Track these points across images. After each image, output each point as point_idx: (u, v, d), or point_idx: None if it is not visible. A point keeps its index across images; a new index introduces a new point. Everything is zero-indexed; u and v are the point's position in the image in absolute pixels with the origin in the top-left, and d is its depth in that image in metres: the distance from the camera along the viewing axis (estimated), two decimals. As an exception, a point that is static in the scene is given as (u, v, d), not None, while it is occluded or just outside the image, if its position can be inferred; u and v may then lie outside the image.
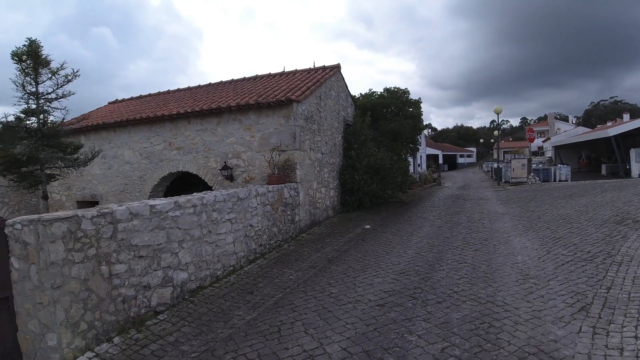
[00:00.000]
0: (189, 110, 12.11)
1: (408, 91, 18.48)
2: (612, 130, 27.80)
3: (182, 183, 14.21)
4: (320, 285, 6.56)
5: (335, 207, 13.57)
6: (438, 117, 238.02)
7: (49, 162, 9.92)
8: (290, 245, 9.56)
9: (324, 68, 14.36)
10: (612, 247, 7.28)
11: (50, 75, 9.86)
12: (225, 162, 11.46)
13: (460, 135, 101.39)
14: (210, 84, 16.88)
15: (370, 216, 13.01)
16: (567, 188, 17.35)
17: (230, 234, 7.63)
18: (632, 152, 20.91)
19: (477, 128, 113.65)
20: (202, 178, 12.29)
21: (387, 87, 18.36)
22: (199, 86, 17.13)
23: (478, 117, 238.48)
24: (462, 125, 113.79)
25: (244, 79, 15.97)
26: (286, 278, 7.16)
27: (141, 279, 5.69)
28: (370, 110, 16.92)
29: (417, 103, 18.59)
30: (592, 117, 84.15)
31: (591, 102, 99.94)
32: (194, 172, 12.41)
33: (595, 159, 39.46)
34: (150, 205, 5.84)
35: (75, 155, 10.33)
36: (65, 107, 10.31)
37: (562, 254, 7.17)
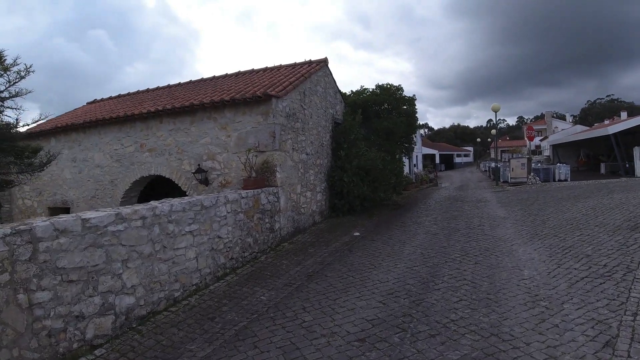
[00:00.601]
0: (160, 108, 11.11)
1: (402, 88, 17.52)
2: (612, 128, 27.07)
3: (159, 187, 13.20)
4: (293, 309, 5.57)
5: (323, 212, 12.58)
6: (435, 116, 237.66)
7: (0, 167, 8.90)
8: (268, 257, 8.56)
9: (309, 62, 13.37)
10: (630, 259, 6.32)
11: (1, 73, 8.84)
12: (199, 165, 10.46)
13: (457, 135, 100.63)
14: (190, 81, 15.87)
15: (360, 221, 12.02)
16: (571, 189, 16.41)
17: (192, 249, 6.63)
18: (636, 151, 20.01)
19: (474, 127, 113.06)
20: (176, 182, 11.29)
21: (380, 83, 17.37)
22: (179, 84, 16.10)
23: (475, 117, 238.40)
24: (459, 125, 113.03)
25: (226, 75, 14.95)
26: (256, 299, 6.17)
27: (72, 307, 4.68)
28: (362, 108, 15.95)
29: (411, 100, 17.63)
30: (589, 115, 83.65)
31: (588, 101, 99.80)
32: (167, 176, 11.40)
33: (594, 158, 38.78)
34: (83, 219, 4.83)
35: (30, 160, 9.30)
36: (21, 107, 9.29)
37: (575, 268, 6.20)
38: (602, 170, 31.98)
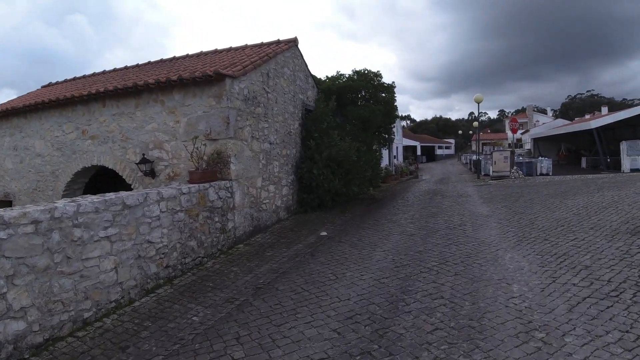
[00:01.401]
0: (101, 90, 9.72)
1: (380, 74, 16.32)
2: (595, 122, 26.59)
3: (107, 179, 11.81)
4: (225, 339, 4.38)
5: (290, 207, 11.38)
6: (418, 108, 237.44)
7: None
8: (216, 263, 7.35)
9: (277, 42, 12.07)
10: (638, 274, 5.29)
11: None
12: (143, 155, 9.14)
13: (439, 127, 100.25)
14: (149, 62, 14.40)
15: (330, 218, 10.87)
16: (557, 184, 15.52)
17: (110, 258, 5.37)
18: (624, 145, 19.26)
19: (456, 120, 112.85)
20: (120, 174, 9.95)
21: (357, 69, 16.15)
22: (137, 65, 14.62)
23: (457, 109, 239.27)
24: (441, 117, 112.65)
25: (186, 56, 13.56)
26: (186, 321, 4.96)
27: None
28: (337, 95, 14.75)
29: (390, 88, 16.46)
30: (570, 110, 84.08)
31: (568, 96, 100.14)
32: (110, 167, 10.05)
33: (575, 152, 38.47)
34: None
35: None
36: None
37: (574, 284, 5.14)
38: (583, 165, 31.57)
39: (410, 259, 6.71)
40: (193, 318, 5.07)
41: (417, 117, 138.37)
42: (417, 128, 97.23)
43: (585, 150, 35.37)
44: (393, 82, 16.57)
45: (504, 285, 5.30)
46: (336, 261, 6.91)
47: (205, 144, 8.19)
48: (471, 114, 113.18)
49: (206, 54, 13.20)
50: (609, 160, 25.42)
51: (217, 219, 7.83)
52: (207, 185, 7.55)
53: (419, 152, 62.45)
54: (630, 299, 4.56)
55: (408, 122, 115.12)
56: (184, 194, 6.87)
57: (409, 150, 58.58)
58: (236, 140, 8.55)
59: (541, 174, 22.72)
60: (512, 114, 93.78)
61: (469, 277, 5.69)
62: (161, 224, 6.36)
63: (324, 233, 9.14)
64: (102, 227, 5.25)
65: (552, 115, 75.53)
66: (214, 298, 5.71)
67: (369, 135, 14.54)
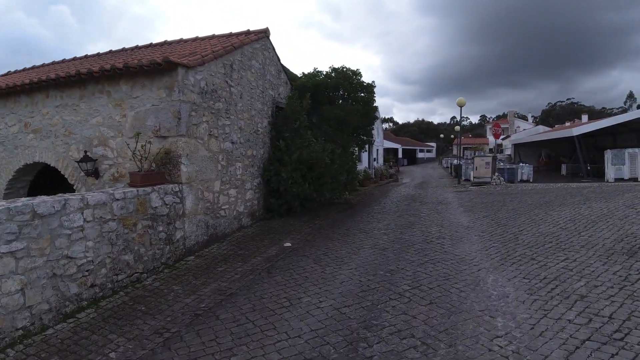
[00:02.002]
0: (43, 78, 8.62)
1: (360, 73, 15.46)
2: (576, 129, 26.34)
3: (55, 177, 10.66)
4: (133, 395, 3.40)
5: (255, 212, 10.40)
6: (401, 111, 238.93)
7: None
8: (156, 280, 6.34)
9: (247, 32, 11.09)
10: (642, 306, 4.49)
11: None
12: (85, 152, 8.07)
13: (421, 130, 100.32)
14: (110, 51, 13.24)
15: (299, 226, 9.93)
16: (540, 193, 14.86)
17: (15, 277, 4.36)
18: (608, 154, 18.76)
19: (438, 123, 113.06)
20: (62, 172, 8.86)
21: (335, 66, 15.24)
22: (97, 54, 13.45)
23: (440, 113, 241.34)
24: (423, 120, 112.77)
25: (150, 45, 12.46)
26: (100, 358, 3.98)
27: None
28: (313, 93, 13.82)
29: (369, 87, 15.60)
30: (550, 117, 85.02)
31: (549, 103, 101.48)
32: (52, 164, 8.97)
33: (555, 158, 38.41)
34: None
35: None
36: None
37: (569, 320, 4.30)
38: (563, 171, 31.40)
39: (380, 281, 5.80)
40: (110, 354, 4.10)
41: (400, 119, 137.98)
42: (399, 130, 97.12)
43: (565, 157, 35.29)
44: (373, 82, 15.73)
45: (487, 320, 4.43)
46: (294, 281, 5.97)
47: (150, 142, 7.16)
48: (453, 118, 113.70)
49: (170, 43, 12.14)
50: (589, 167, 25.24)
51: (161, 229, 6.81)
52: (149, 189, 6.53)
53: (400, 155, 62.01)
54: (638, 344, 3.74)
55: (390, 124, 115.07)
56: (118, 200, 5.84)
57: (390, 152, 58.08)
58: (189, 139, 7.54)
59: (522, 181, 22.24)
60: (493, 120, 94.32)
61: (446, 306, 4.81)
62: (85, 235, 5.33)
63: (288, 244, 8.19)
64: (3, 241, 4.22)
65: (533, 122, 75.98)
66: (141, 327, 4.72)
67: (346, 136, 13.64)
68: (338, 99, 14.94)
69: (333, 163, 11.65)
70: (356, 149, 17.75)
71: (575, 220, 9.01)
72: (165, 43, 12.25)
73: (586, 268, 5.81)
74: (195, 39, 11.85)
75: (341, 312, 4.79)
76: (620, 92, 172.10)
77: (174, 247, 7.13)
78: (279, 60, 11.94)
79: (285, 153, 10.59)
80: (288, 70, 18.44)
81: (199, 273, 6.61)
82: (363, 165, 26.28)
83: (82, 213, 5.27)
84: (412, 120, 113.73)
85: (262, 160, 10.74)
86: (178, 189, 7.24)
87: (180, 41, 12.05)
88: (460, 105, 23.63)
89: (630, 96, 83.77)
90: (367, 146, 28.16)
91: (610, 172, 18.31)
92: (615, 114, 66.36)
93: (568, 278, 5.48)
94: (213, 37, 11.63)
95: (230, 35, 11.39)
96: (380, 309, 4.81)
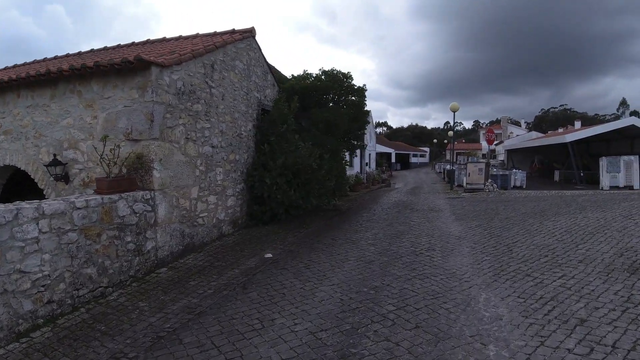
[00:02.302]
0: (13, 77, 8.12)
1: (351, 76, 15.01)
2: (570, 136, 26.15)
3: (28, 181, 10.13)
4: None
5: (237, 220, 9.92)
6: (395, 115, 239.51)
7: None
8: (123, 294, 5.86)
9: (232, 32, 10.64)
10: (649, 332, 4.08)
11: None
12: (55, 155, 7.57)
13: (415, 134, 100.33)
14: (92, 50, 12.77)
15: (283, 234, 9.46)
16: (534, 200, 14.48)
17: None
18: (603, 161, 18.43)
19: (432, 128, 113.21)
20: (32, 176, 8.36)
21: (325, 68, 14.80)
22: (79, 53, 12.97)
23: (434, 118, 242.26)
24: (417, 125, 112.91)
25: (132, 44, 11.99)
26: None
27: None
28: (301, 95, 13.39)
29: (360, 90, 15.16)
30: (543, 123, 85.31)
31: (542, 109, 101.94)
32: (22, 167, 8.46)
33: (548, 165, 38.27)
34: None
35: None
36: None
37: (568, 349, 3.87)
38: (556, 178, 31.19)
39: (363, 300, 5.34)
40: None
41: (394, 124, 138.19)
42: (392, 135, 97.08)
43: (558, 163, 35.12)
44: (364, 85, 15.29)
45: (478, 347, 3.99)
46: (270, 299, 5.50)
47: (119, 146, 6.67)
48: (447, 123, 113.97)
49: (152, 42, 11.70)
50: (582, 174, 25.00)
51: (129, 239, 6.32)
52: (115, 197, 6.05)
53: (393, 160, 61.79)
54: (647, 380, 3.31)
55: (384, 128, 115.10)
56: (79, 208, 5.36)
57: (383, 157, 57.85)
58: (162, 142, 7.06)
59: (515, 187, 21.91)
60: (486, 125, 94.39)
61: (434, 331, 4.36)
62: (41, 248, 4.85)
63: (269, 255, 7.72)
64: None
65: (526, 128, 76.15)
66: (98, 350, 4.24)
67: (335, 140, 13.19)
68: (328, 102, 14.50)
69: (321, 168, 11.20)
70: (346, 153, 17.33)
71: (572, 231, 8.60)
72: (147, 42, 11.80)
73: (585, 287, 5.39)
74: (179, 38, 11.41)
75: (317, 337, 4.32)
76: (613, 99, 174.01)
77: (144, 258, 6.64)
78: (265, 61, 11.50)
79: (270, 158, 10.13)
80: (278, 72, 17.99)
81: (169, 287, 6.12)
82: (355, 169, 25.88)
83: (37, 223, 4.79)
84: (405, 125, 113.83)
85: (246, 165, 10.27)
86: (150, 196, 6.75)
87: (163, 40, 11.61)
88: (454, 110, 23.32)
89: (623, 103, 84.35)
90: (358, 151, 27.83)
91: (605, 180, 17.98)
92: (608, 120, 66.74)
93: (566, 298, 5.05)
94: (197, 36, 11.19)
95: (215, 34, 10.95)
96: (361, 334, 4.35)
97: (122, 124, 7.05)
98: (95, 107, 7.33)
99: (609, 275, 5.74)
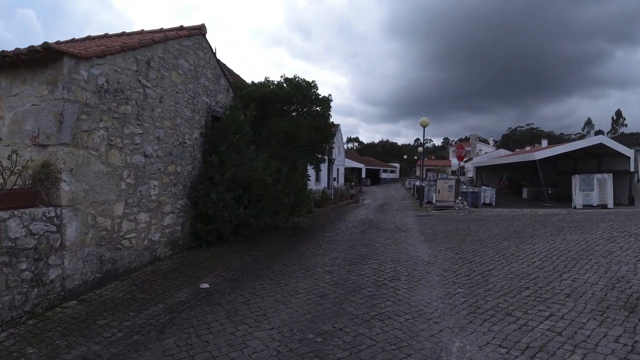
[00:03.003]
0: None
1: (315, 85, 14.05)
2: (538, 154, 26.17)
3: None
4: None
5: (178, 241, 8.68)
6: (366, 131, 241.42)
7: None
8: (11, 336, 4.55)
9: (180, 28, 9.52)
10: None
11: None
12: (-57, 161, 6.21)
13: (386, 150, 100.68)
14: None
15: (229, 258, 8.29)
16: (507, 220, 13.74)
17: None
18: (576, 179, 17.99)
19: (402, 145, 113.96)
20: None
21: (288, 76, 13.79)
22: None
23: (404, 135, 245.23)
24: (387, 140, 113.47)
25: (72, 40, 10.71)
26: None
27: None
28: (261, 104, 12.34)
29: (326, 101, 14.21)
30: (510, 141, 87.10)
31: (509, 128, 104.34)
32: None
33: (516, 182, 38.41)
34: None
35: None
36: None
37: None
38: (525, 195, 31.16)
39: (305, 353, 4.22)
40: None
41: (365, 139, 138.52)
42: (364, 150, 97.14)
43: (526, 180, 35.23)
44: (329, 95, 14.35)
45: None
46: (188, 349, 4.31)
47: (17, 152, 5.39)
48: (417, 140, 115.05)
49: (93, 37, 10.47)
50: (549, 192, 24.93)
51: (24, 266, 5.04)
52: (5, 214, 4.78)
53: (363, 175, 61.30)
54: None
55: (356, 144, 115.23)
56: None
57: (354, 172, 57.28)
58: (75, 149, 5.83)
59: (484, 204, 21.40)
60: (456, 142, 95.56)
61: (393, 402, 3.29)
62: None
63: (205, 285, 6.53)
64: None
65: (494, 145, 77.38)
66: None
67: (296, 153, 12.13)
68: (290, 112, 13.47)
69: (277, 183, 10.12)
70: (309, 167, 16.31)
71: (552, 256, 7.75)
72: (88, 38, 10.58)
73: (579, 331, 4.44)
74: (122, 34, 10.20)
75: (235, 414, 3.18)
76: (577, 119, 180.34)
77: (45, 290, 5.35)
78: (218, 63, 10.40)
79: (218, 171, 8.98)
80: (240, 79, 16.89)
81: (71, 328, 4.86)
82: (322, 185, 24.90)
83: None
84: (376, 141, 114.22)
85: (191, 178, 9.07)
86: (54, 214, 5.50)
87: (105, 36, 10.38)
88: (424, 126, 22.79)
89: (589, 123, 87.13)
90: (326, 165, 26.88)
91: (578, 198, 17.51)
92: (573, 139, 68.48)
93: (558, 348, 4.08)
94: (142, 32, 10.01)
95: (162, 30, 9.79)
96: (295, 409, 3.24)
97: (28, 126, 5.80)
98: (3, 105, 6.05)
99: (604, 315, 4.82)
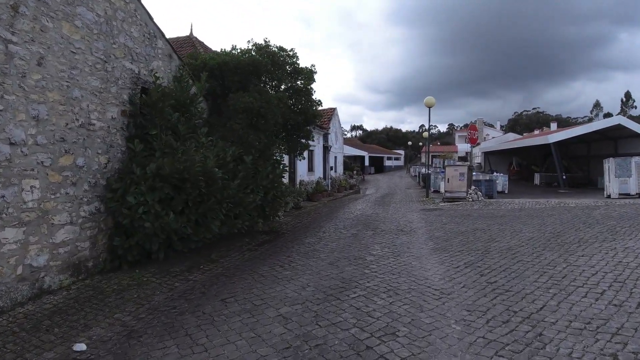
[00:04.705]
0: None
1: (296, 54, 11.48)
2: (552, 136, 23.60)
3: None
4: None
5: (86, 262, 6.16)
6: (371, 119, 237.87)
7: None
8: None
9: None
10: None
11: None
12: None
13: (390, 137, 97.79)
14: None
15: (152, 287, 5.77)
16: (535, 216, 11.08)
17: None
18: (610, 164, 15.14)
19: (406, 131, 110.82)
20: None
21: (258, 42, 11.13)
22: None
23: (409, 122, 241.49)
24: (391, 127, 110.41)
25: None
26: None
27: None
28: (219, 76, 9.79)
29: (308, 72, 11.62)
30: (517, 125, 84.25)
31: (515, 112, 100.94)
32: None
33: (527, 167, 35.93)
34: None
35: None
36: None
37: None
38: (537, 181, 28.71)
39: None
40: None
41: (369, 127, 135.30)
42: (367, 138, 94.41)
43: (536, 165, 32.72)
44: (313, 66, 11.75)
45: None
46: None
47: None
48: (421, 126, 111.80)
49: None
50: (564, 177, 22.56)
51: None
52: None
53: (367, 163, 58.71)
54: None
55: (360, 132, 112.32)
56: None
57: (357, 160, 54.75)
58: None
59: (497, 192, 18.82)
60: (460, 128, 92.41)
61: None
62: None
63: (81, 347, 4.01)
64: None
65: (501, 130, 74.47)
66: None
67: (265, 137, 9.46)
68: (259, 86, 10.80)
69: (234, 177, 7.55)
70: (296, 157, 13.73)
71: (625, 279, 5.12)
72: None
73: None
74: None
75: None
76: (582, 103, 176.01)
77: None
78: (150, 19, 7.77)
79: (140, 163, 6.41)
80: (212, 51, 14.25)
81: None
82: (316, 175, 22.32)
83: None
84: (380, 128, 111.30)
85: (105, 173, 6.52)
86: None
87: None
88: (429, 106, 20.16)
89: (597, 105, 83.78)
90: (322, 152, 24.25)
91: (613, 186, 14.72)
92: (581, 123, 65.38)
93: None
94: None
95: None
96: None
97: None
98: None
99: None
